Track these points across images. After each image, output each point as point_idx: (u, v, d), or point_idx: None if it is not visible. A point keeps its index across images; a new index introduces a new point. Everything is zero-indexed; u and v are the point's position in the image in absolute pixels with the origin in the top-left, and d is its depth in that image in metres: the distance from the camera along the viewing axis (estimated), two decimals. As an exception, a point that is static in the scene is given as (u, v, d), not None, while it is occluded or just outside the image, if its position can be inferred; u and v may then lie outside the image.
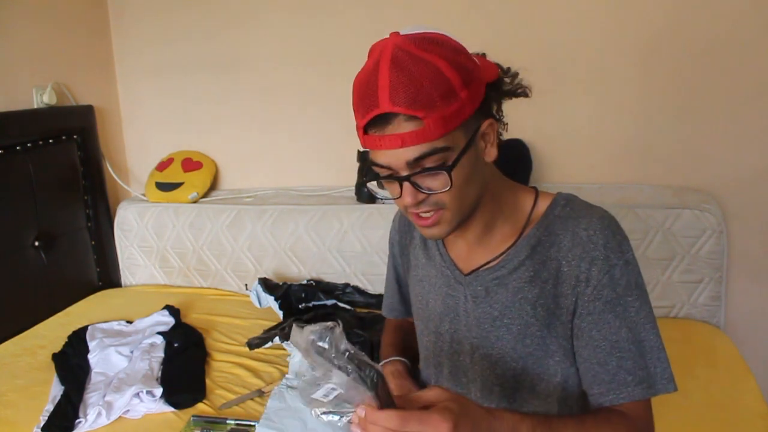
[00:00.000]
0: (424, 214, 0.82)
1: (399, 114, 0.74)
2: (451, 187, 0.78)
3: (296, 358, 1.67)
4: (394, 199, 0.84)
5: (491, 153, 0.85)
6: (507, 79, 0.90)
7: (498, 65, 0.89)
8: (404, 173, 0.78)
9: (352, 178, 2.20)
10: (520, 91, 0.91)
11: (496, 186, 0.90)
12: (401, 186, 0.79)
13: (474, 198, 0.85)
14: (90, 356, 1.74)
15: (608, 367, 0.83)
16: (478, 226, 0.91)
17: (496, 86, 0.88)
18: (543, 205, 0.90)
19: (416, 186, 0.79)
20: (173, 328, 1.90)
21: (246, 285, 2.21)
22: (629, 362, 0.82)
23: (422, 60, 0.75)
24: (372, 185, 0.89)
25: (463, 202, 0.82)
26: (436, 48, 0.76)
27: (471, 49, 0.85)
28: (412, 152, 0.76)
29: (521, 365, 0.89)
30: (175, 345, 1.79)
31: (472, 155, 0.81)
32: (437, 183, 0.79)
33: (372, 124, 0.77)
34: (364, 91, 0.77)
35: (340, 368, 0.64)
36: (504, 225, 0.91)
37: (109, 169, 2.39)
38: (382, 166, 0.80)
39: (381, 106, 0.75)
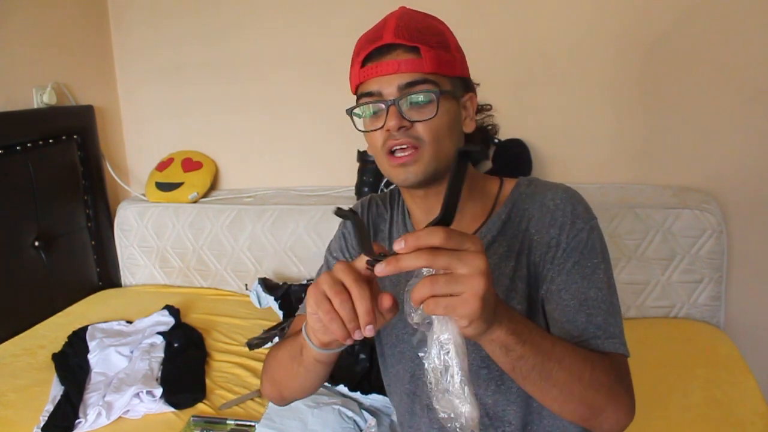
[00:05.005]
0: (401, 148, 0.83)
1: (400, 45, 0.82)
2: (435, 116, 0.82)
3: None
4: (374, 130, 0.85)
5: (469, 125, 0.91)
6: (478, 115, 0.95)
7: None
8: (393, 98, 0.82)
9: (352, 178, 2.20)
10: (489, 127, 0.99)
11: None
12: (387, 113, 0.82)
13: (450, 153, 0.86)
14: (90, 356, 1.74)
15: (577, 323, 0.83)
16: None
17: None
18: (508, 187, 0.95)
19: (402, 113, 0.82)
20: (173, 328, 1.90)
21: (246, 285, 2.21)
22: (599, 318, 0.83)
23: (426, 18, 0.86)
24: (356, 119, 0.89)
25: (440, 147, 0.84)
26: (438, 19, 0.88)
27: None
28: (405, 77, 0.82)
29: None
30: (175, 345, 1.79)
31: (455, 110, 0.87)
32: (422, 114, 0.83)
33: (371, 56, 0.84)
34: (370, 34, 0.86)
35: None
36: (474, 206, 0.93)
37: (109, 169, 2.39)
38: (371, 94, 0.84)
39: (384, 38, 0.82)
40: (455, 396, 0.61)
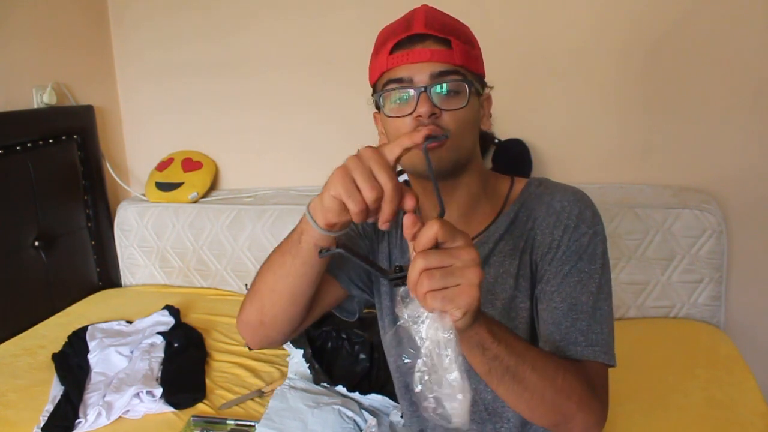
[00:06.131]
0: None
1: (431, 36, 0.82)
2: (465, 106, 0.82)
3: (296, 359, 1.67)
4: (399, 117, 0.84)
5: (486, 123, 0.92)
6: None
7: None
8: (424, 85, 0.82)
9: (352, 178, 2.20)
10: (488, 134, 0.98)
11: (481, 164, 0.95)
12: (417, 100, 0.82)
13: (470, 147, 0.88)
14: (90, 356, 1.74)
15: (561, 327, 0.83)
16: (464, 197, 0.92)
17: None
18: (518, 187, 0.95)
19: (432, 101, 0.82)
20: (173, 328, 1.89)
21: (246, 285, 2.21)
22: (583, 323, 0.83)
23: (450, 16, 0.87)
24: (386, 105, 0.86)
25: (465, 140, 0.85)
26: (459, 20, 0.89)
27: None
28: (437, 66, 0.82)
29: None
30: (175, 345, 1.79)
31: (477, 106, 0.88)
32: (451, 104, 0.83)
33: (400, 44, 0.83)
34: (396, 24, 0.85)
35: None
36: (485, 205, 0.94)
37: (109, 169, 2.39)
38: (401, 80, 0.83)
39: (415, 28, 0.82)
40: (450, 390, 0.62)
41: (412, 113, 0.82)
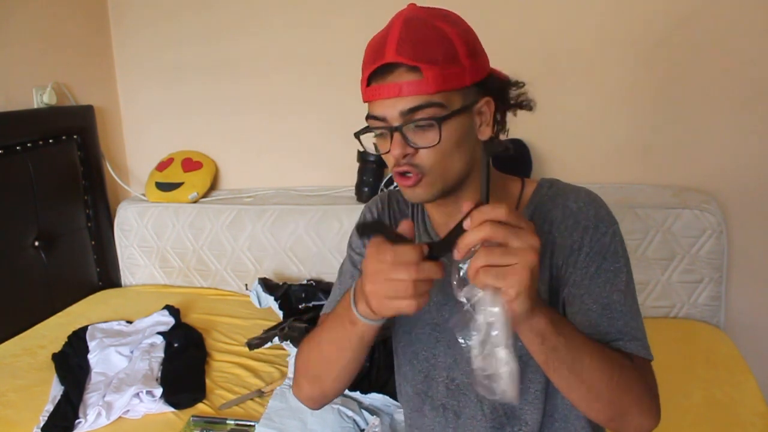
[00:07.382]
0: (407, 174, 0.82)
1: (402, 65, 0.78)
2: (438, 143, 0.80)
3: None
4: (383, 154, 0.85)
5: (485, 132, 0.87)
6: (513, 90, 0.92)
7: (507, 76, 0.92)
8: (397, 124, 0.80)
9: (352, 178, 2.20)
10: (524, 104, 0.94)
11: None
12: (391, 138, 0.81)
13: (459, 168, 0.85)
14: (90, 356, 1.74)
15: (600, 328, 0.83)
16: (472, 206, 0.90)
17: (501, 88, 0.90)
18: (529, 189, 0.94)
19: (405, 139, 0.80)
20: (173, 328, 1.90)
21: (246, 285, 2.21)
22: (620, 322, 0.83)
23: (433, 25, 0.80)
24: (367, 143, 0.88)
25: (447, 169, 0.83)
26: (448, 20, 0.82)
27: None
28: (407, 102, 0.79)
29: None
30: (175, 345, 1.79)
31: (466, 123, 0.83)
32: (426, 139, 0.80)
33: (375, 74, 0.80)
34: (374, 46, 0.82)
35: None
36: None
37: (109, 169, 2.39)
38: (377, 118, 0.82)
39: (386, 56, 0.79)
40: (497, 364, 0.64)
41: (389, 151, 0.82)
